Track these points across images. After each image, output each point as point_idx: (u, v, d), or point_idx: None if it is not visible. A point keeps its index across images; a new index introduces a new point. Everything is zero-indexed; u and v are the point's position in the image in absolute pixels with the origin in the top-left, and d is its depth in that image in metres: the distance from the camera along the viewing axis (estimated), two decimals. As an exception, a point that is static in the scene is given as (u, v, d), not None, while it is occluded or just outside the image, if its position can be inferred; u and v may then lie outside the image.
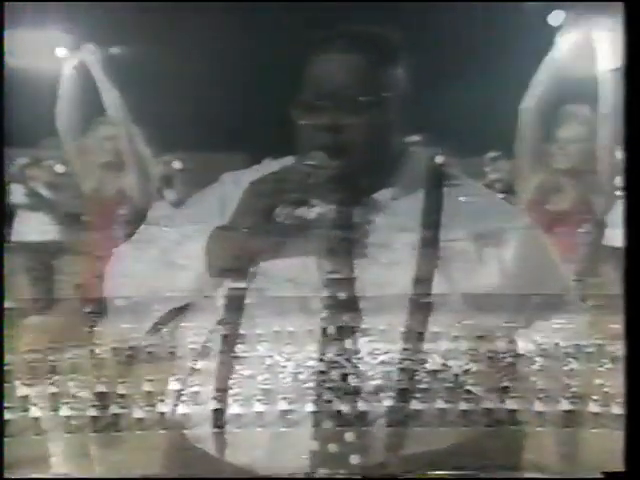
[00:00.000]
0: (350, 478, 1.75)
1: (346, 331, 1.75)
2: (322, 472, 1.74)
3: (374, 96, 1.82)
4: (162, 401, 1.76)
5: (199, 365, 1.80)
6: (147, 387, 1.76)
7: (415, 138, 5.27)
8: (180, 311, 1.88)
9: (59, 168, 7.36)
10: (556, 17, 4.93)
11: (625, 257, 1.69)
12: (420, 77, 1.97)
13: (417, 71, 1.93)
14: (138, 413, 1.75)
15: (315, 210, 1.85)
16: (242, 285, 1.82)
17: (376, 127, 1.83)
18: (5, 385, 1.72)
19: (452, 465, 1.74)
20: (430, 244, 1.81)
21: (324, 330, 1.75)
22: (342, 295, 1.78)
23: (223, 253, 1.82)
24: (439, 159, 2.05)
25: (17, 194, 7.85)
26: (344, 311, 1.77)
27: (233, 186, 1.94)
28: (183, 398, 1.79)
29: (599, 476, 1.64)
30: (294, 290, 1.79)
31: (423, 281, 1.78)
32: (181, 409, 1.78)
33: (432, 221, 1.84)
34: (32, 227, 7.82)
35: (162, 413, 1.76)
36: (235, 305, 1.82)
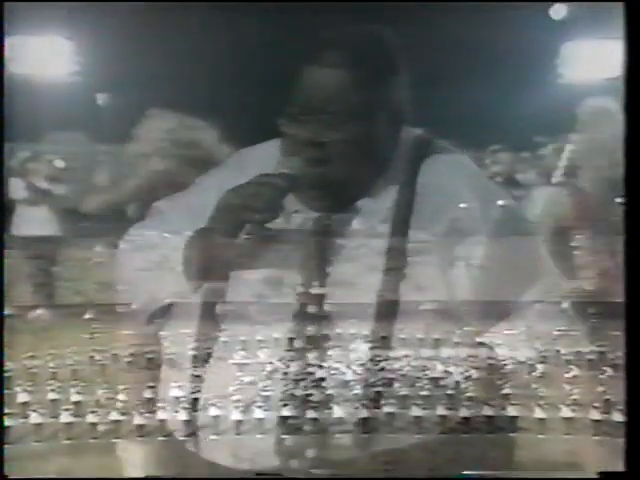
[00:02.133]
0: (348, 478, 1.76)
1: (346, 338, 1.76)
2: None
3: (359, 113, 1.81)
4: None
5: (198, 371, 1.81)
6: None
7: (417, 132, 5.26)
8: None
9: (59, 163, 7.39)
10: (557, 11, 4.93)
11: (625, 263, 1.68)
12: (421, 72, 1.96)
13: (418, 67, 1.92)
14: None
15: (295, 218, 1.86)
16: (221, 285, 1.84)
17: (358, 143, 1.82)
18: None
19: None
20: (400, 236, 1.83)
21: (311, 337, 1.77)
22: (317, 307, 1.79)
23: (198, 258, 1.83)
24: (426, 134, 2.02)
25: (17, 188, 7.86)
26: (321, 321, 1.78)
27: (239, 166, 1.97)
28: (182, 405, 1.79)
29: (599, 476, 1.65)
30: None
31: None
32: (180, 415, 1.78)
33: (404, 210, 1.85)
34: (32, 221, 7.82)
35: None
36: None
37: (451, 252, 1.83)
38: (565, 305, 1.80)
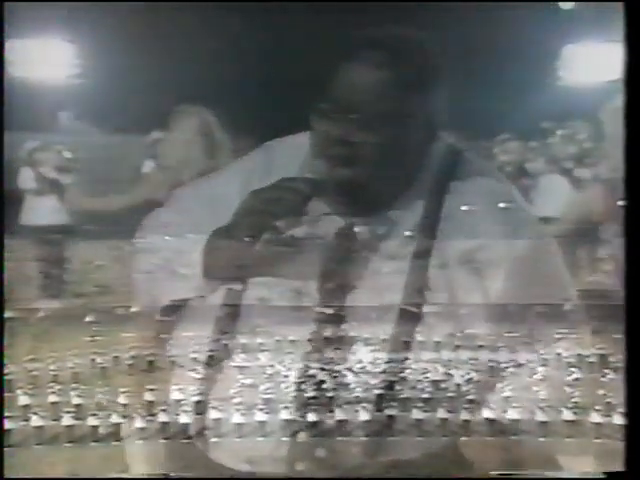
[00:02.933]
0: (350, 478, 1.76)
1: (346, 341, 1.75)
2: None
3: (393, 117, 1.78)
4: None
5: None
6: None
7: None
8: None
9: (67, 153, 7.39)
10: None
11: (625, 264, 1.67)
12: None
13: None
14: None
15: (321, 222, 1.85)
16: (238, 287, 1.83)
17: (388, 147, 1.79)
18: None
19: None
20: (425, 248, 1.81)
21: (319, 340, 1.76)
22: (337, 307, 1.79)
23: (219, 259, 1.82)
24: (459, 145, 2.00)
25: (26, 178, 7.86)
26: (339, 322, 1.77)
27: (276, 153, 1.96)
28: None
29: (599, 476, 1.64)
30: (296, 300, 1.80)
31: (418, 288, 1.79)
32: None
33: (430, 220, 1.84)
34: (41, 211, 7.83)
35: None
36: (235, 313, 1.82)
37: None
38: (568, 307, 1.79)
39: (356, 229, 1.84)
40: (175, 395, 1.77)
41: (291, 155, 1.90)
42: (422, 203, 1.85)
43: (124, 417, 1.73)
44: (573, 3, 4.40)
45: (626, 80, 1.68)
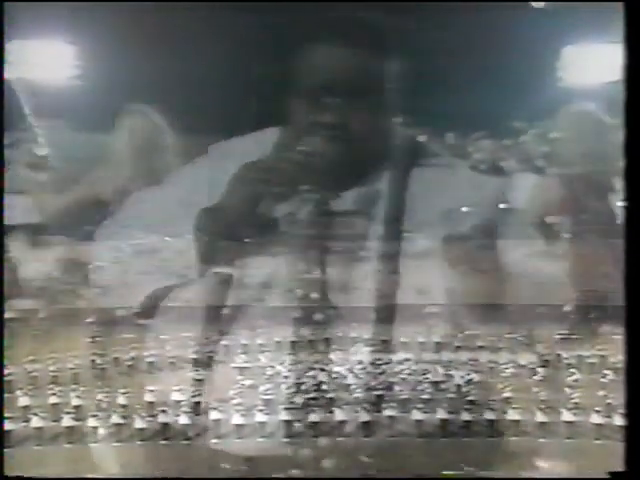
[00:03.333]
0: (350, 478, 1.77)
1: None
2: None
3: (373, 86, 1.83)
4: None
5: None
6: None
7: (397, 120, 5.26)
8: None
9: (40, 150, 7.33)
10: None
11: (625, 265, 1.68)
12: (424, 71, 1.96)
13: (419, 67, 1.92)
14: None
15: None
16: (228, 271, 1.82)
17: (375, 116, 1.85)
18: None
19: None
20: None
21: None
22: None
23: (212, 235, 1.82)
24: (421, 137, 2.04)
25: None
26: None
27: (221, 158, 1.93)
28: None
29: (600, 476, 1.65)
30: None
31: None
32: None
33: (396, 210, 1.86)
34: (16, 210, 7.76)
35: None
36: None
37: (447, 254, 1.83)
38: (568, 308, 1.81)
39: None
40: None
41: (251, 152, 1.89)
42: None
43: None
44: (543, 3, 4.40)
45: (626, 80, 1.69)
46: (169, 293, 1.84)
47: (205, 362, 1.79)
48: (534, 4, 4.96)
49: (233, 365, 1.79)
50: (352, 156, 1.82)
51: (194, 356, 1.79)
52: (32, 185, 7.33)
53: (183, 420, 1.77)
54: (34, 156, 7.41)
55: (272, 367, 1.79)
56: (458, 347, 1.77)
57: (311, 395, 1.75)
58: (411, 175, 1.89)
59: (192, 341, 1.81)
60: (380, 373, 1.76)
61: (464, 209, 1.84)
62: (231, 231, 1.79)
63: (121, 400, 1.78)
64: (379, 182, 1.88)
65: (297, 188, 1.79)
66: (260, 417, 1.76)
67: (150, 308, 1.84)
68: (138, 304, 1.83)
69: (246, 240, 1.78)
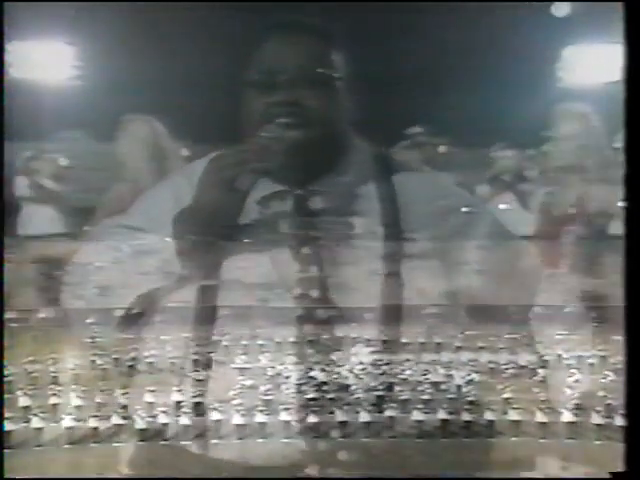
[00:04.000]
0: (351, 478, 1.76)
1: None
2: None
3: (323, 72, 1.88)
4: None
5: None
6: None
7: (417, 129, 5.25)
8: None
9: (63, 161, 7.37)
10: (559, 8, 4.89)
11: (625, 265, 1.67)
12: (425, 72, 1.97)
13: (423, 66, 1.93)
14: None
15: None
16: (213, 283, 1.83)
17: (327, 102, 1.88)
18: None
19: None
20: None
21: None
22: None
23: (191, 234, 1.82)
24: (384, 149, 2.06)
25: (22, 187, 7.82)
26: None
27: (185, 180, 1.94)
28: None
29: (600, 476, 1.64)
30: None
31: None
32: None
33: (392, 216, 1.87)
34: (37, 220, 7.79)
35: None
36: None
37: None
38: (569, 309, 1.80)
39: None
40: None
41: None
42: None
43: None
44: (568, 11, 4.39)
45: (626, 80, 1.68)
46: (156, 297, 1.86)
47: (204, 363, 1.80)
48: (554, 11, 4.96)
49: (232, 366, 1.79)
50: (312, 140, 1.85)
51: (194, 357, 1.80)
52: (54, 195, 7.38)
53: (183, 421, 1.77)
54: (57, 167, 7.47)
55: (272, 367, 1.79)
56: (458, 347, 1.77)
57: (311, 395, 1.74)
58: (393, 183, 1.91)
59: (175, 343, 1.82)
60: (381, 374, 1.76)
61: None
62: (211, 229, 1.80)
63: (122, 400, 1.78)
64: (348, 174, 1.90)
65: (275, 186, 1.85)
66: (260, 417, 1.75)
67: (134, 315, 1.85)
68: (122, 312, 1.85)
69: (230, 239, 1.80)
